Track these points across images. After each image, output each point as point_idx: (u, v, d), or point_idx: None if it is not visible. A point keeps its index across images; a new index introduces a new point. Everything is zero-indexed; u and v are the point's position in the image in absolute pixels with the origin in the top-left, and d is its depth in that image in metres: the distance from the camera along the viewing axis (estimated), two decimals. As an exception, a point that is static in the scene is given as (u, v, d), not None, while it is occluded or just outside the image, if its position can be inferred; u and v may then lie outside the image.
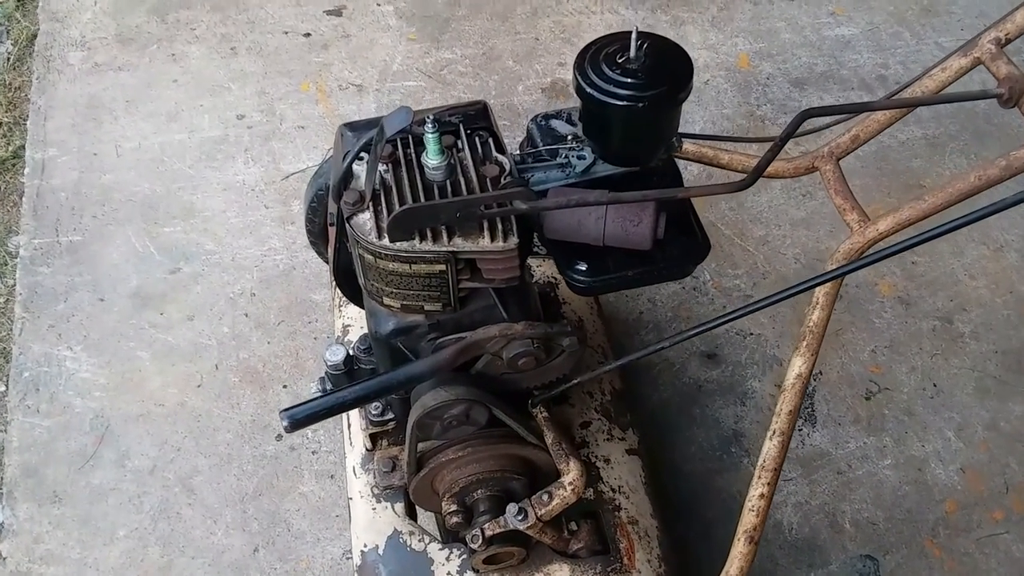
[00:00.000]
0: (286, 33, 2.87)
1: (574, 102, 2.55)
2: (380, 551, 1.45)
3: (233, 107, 2.65)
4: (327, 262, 2.09)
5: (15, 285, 2.23)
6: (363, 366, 1.47)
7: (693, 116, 2.67)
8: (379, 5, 2.97)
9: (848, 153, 1.44)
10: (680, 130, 1.33)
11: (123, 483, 1.91)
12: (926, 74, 1.36)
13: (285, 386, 2.06)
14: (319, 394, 1.45)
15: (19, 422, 1.99)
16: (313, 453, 1.96)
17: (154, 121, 2.59)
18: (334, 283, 1.84)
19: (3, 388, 2.05)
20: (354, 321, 1.74)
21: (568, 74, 2.78)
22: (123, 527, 1.85)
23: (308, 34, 2.87)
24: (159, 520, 1.86)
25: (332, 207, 1.40)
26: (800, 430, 2.07)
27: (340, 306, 1.77)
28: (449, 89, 2.73)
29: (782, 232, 2.43)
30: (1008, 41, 1.31)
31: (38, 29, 2.83)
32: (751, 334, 2.22)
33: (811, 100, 2.76)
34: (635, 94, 1.15)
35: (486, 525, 1.35)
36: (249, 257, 2.29)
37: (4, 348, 2.12)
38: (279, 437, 1.99)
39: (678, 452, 2.03)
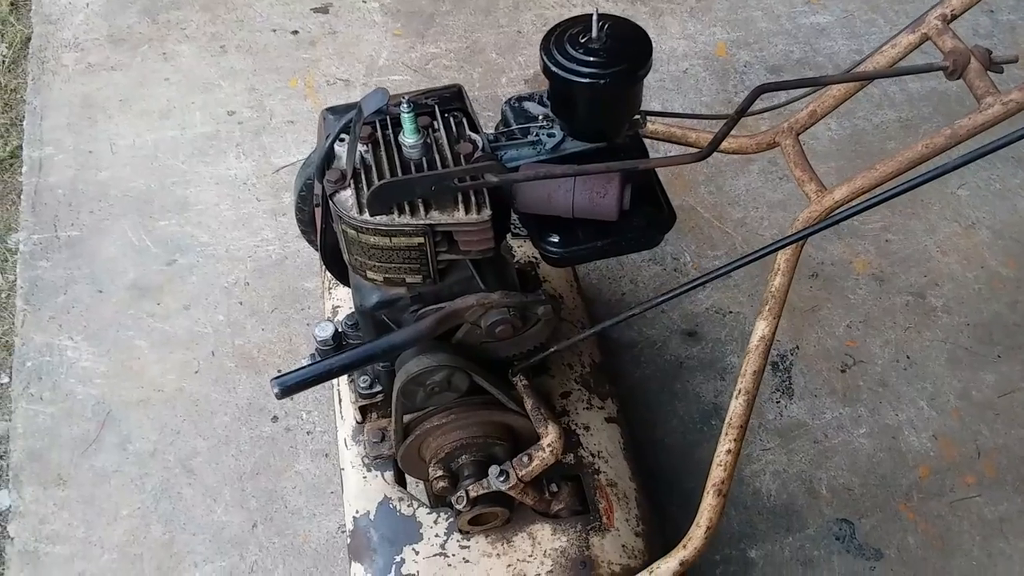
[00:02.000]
0: (274, 31, 2.94)
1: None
2: (371, 516, 1.52)
3: (224, 104, 2.72)
4: (317, 249, 2.17)
5: (16, 280, 2.30)
6: (351, 341, 1.54)
7: (672, 103, 2.75)
8: (365, 2, 3.05)
9: (807, 128, 1.51)
10: (659, 115, 1.41)
11: (125, 465, 1.98)
12: (877, 50, 1.43)
13: (280, 370, 2.12)
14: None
15: (23, 409, 2.06)
16: (308, 433, 2.04)
17: (147, 119, 2.66)
18: (323, 265, 1.91)
19: (7, 378, 2.12)
20: (343, 302, 1.81)
21: (550, 66, 2.85)
22: (126, 507, 1.92)
23: (296, 31, 2.94)
24: (160, 499, 1.93)
25: (317, 188, 1.47)
26: (778, 402, 2.14)
27: (329, 289, 1.85)
28: (434, 82, 2.79)
29: (759, 214, 2.50)
30: (953, 17, 1.39)
31: (32, 32, 2.90)
32: (730, 312, 2.29)
33: (787, 86, 2.83)
34: (597, 72, 1.22)
35: (470, 487, 1.42)
36: (242, 248, 2.36)
37: (7, 340, 2.19)
38: (275, 419, 2.06)
39: (660, 426, 2.10)
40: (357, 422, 1.63)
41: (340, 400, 1.69)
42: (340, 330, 1.53)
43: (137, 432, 2.03)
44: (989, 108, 1.25)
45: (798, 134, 1.50)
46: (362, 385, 1.56)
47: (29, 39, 2.87)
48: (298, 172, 2.00)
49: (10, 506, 1.92)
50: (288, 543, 1.88)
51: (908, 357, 2.23)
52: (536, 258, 1.86)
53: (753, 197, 2.54)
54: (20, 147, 2.59)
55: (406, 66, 2.84)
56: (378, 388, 1.57)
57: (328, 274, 1.86)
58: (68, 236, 2.38)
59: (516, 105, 1.46)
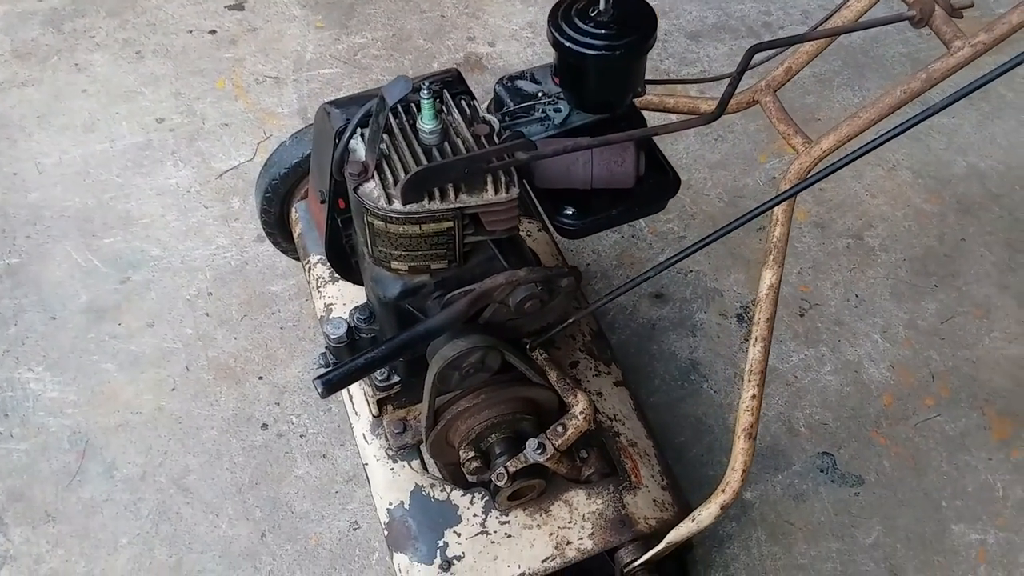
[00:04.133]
0: (190, 32, 2.84)
1: (491, 74, 2.67)
2: (406, 506, 1.52)
3: (150, 111, 2.61)
4: (284, 252, 2.14)
5: (-44, 316, 2.16)
6: (364, 336, 1.53)
7: (604, 76, 2.81)
8: (281, -4, 2.98)
9: (783, 84, 1.59)
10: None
11: (115, 493, 1.90)
12: (844, 5, 1.52)
13: (260, 377, 2.09)
14: (324, 368, 1.51)
15: (-7, 449, 1.95)
16: (301, 437, 2.00)
17: (70, 134, 2.54)
18: (306, 266, 1.89)
19: (-36, 420, 2.00)
20: (335, 299, 1.79)
21: (479, 48, 2.87)
22: (125, 535, 1.85)
23: (214, 31, 2.85)
24: (160, 522, 1.87)
25: (320, 185, 1.46)
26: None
27: (318, 287, 1.82)
28: (366, 73, 2.77)
29: (702, 175, 2.60)
30: (912, -31, 1.48)
31: (-75, 53, 2.71)
32: (691, 271, 2.38)
33: (707, 51, 2.94)
34: (610, 44, 1.25)
35: (508, 463, 1.44)
36: (198, 258, 2.29)
37: (-43, 380, 2.06)
38: (264, 427, 2.02)
39: (643, 387, 2.17)
40: (374, 416, 1.62)
41: (351, 397, 1.67)
42: (353, 325, 1.52)
43: (121, 458, 1.95)
44: (959, 51, 1.35)
45: (775, 91, 1.58)
46: (379, 378, 1.56)
47: (-77, 60, 2.68)
48: (260, 174, 1.97)
49: (-5, 552, 1.82)
50: (301, 548, 1.86)
51: (857, 296, 2.37)
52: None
53: (694, 159, 2.63)
54: (-66, 176, 2.42)
55: (335, 58, 2.80)
56: (395, 379, 1.56)
57: (314, 273, 1.84)
58: (7, 264, 2.25)
59: (509, 84, 1.48)
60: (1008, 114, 2.77)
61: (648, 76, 1.41)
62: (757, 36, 3.01)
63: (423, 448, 1.58)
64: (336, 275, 1.68)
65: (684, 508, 1.57)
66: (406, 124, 1.30)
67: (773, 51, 1.63)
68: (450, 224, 1.28)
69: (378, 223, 1.27)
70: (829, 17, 1.54)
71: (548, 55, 1.40)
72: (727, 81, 1.35)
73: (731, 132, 2.70)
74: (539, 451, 1.44)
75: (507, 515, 1.52)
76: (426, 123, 1.27)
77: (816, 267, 2.42)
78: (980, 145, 2.70)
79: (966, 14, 1.48)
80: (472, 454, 1.48)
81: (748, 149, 2.66)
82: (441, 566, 1.47)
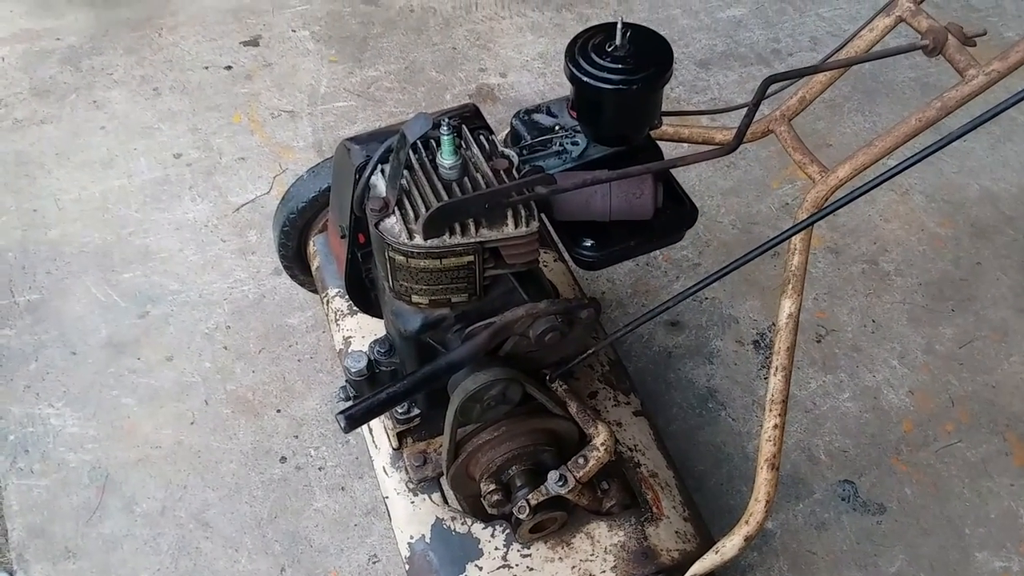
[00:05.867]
0: (207, 68, 2.88)
1: (503, 105, 2.69)
2: (427, 539, 1.52)
3: (168, 147, 2.64)
4: (301, 285, 2.15)
5: (-23, 352, 2.18)
6: (384, 369, 1.53)
7: (615, 105, 2.83)
8: (294, 31, 3.02)
9: (798, 114, 1.60)
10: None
11: (135, 528, 1.90)
12: (856, 35, 1.53)
13: (279, 410, 2.09)
14: (345, 402, 1.52)
15: (15, 485, 1.95)
16: (320, 470, 2.00)
17: (89, 170, 2.57)
18: (324, 298, 1.90)
19: (-14, 456, 2.01)
20: (354, 332, 1.79)
21: (490, 79, 2.90)
22: (144, 570, 1.85)
23: (229, 67, 2.88)
24: (179, 558, 1.87)
25: (340, 220, 1.47)
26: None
27: (336, 320, 1.83)
28: (380, 105, 2.80)
29: (715, 202, 2.61)
30: (923, -1, 1.49)
31: (-54, 92, 2.75)
32: (707, 298, 2.38)
33: (717, 78, 2.96)
34: (627, 78, 1.27)
35: (530, 496, 1.44)
36: (216, 291, 2.31)
37: (-21, 416, 2.07)
38: (283, 460, 2.02)
39: (661, 415, 2.16)
40: (394, 448, 1.62)
41: (371, 431, 1.67)
42: (373, 359, 1.52)
43: (141, 492, 1.96)
44: (974, 79, 1.36)
45: (790, 120, 1.59)
46: (399, 411, 1.56)
47: (-56, 99, 2.73)
48: (277, 208, 1.99)
49: (16, 588, 1.83)
50: (320, 582, 1.85)
51: (873, 321, 2.36)
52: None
53: (707, 186, 2.64)
54: (-45, 213, 2.45)
55: (348, 92, 2.83)
56: (415, 412, 1.57)
57: (332, 306, 1.85)
58: (28, 300, 2.27)
59: (526, 118, 1.49)
60: (1020, 136, 2.77)
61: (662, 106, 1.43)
62: (766, 63, 3.03)
63: (443, 481, 1.58)
64: (355, 308, 1.69)
65: (707, 539, 1.56)
66: (426, 160, 1.32)
67: (787, 81, 1.65)
68: (471, 258, 1.29)
69: (399, 258, 1.28)
70: (842, 47, 1.55)
71: (560, 85, 1.41)
72: (742, 111, 1.37)
73: (743, 159, 2.71)
74: (561, 483, 1.43)
75: (529, 548, 1.51)
76: (446, 159, 1.28)
77: (832, 293, 2.42)
78: (993, 168, 2.70)
79: (978, 41, 1.49)
80: (493, 487, 1.48)
81: (760, 175, 2.67)
82: (463, 600, 1.47)
